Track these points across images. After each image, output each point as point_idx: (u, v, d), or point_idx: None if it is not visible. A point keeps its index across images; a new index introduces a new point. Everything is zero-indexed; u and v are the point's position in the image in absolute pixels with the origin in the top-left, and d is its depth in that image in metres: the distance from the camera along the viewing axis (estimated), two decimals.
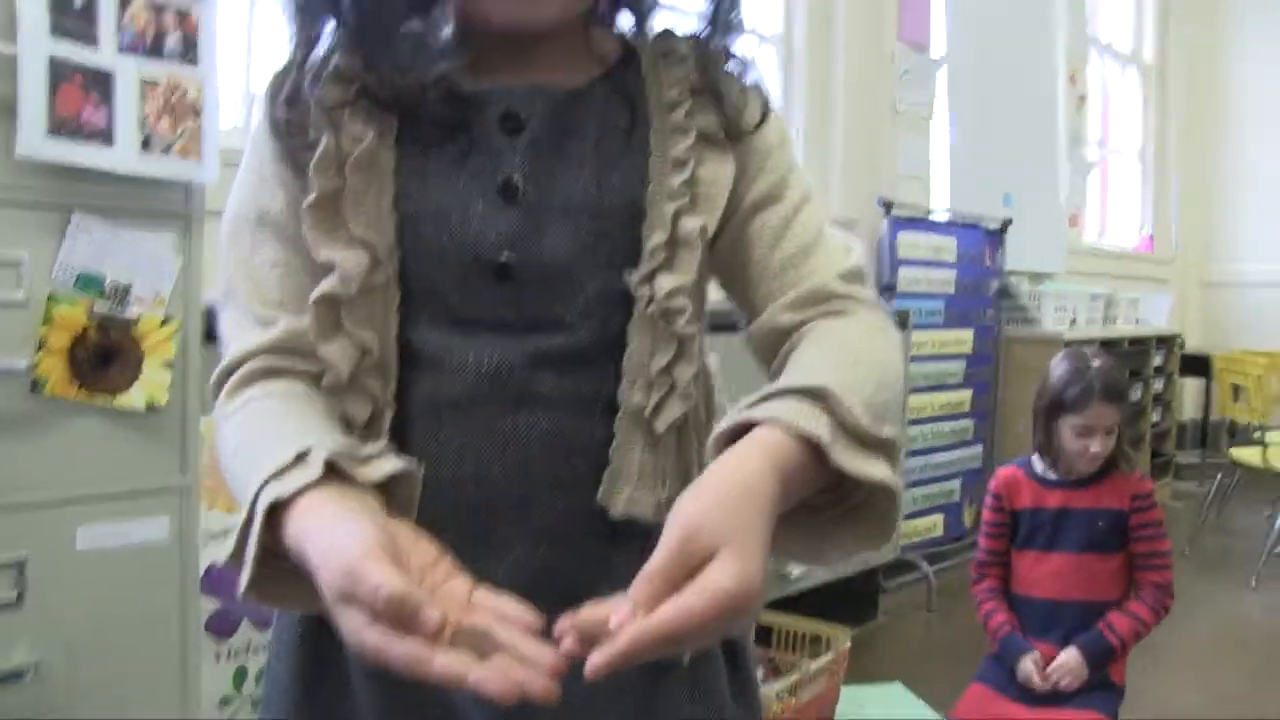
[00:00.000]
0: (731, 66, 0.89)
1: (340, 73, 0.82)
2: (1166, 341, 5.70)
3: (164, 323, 1.47)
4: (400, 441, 0.82)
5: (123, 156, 1.41)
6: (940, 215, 4.41)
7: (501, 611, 0.62)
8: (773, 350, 0.85)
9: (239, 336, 0.83)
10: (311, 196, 0.80)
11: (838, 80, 4.21)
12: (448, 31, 0.82)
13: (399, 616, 0.58)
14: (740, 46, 0.90)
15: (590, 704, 0.76)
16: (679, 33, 0.90)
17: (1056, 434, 2.42)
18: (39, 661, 1.37)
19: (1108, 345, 5.04)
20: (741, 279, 0.88)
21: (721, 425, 0.70)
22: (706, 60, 0.88)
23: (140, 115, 1.44)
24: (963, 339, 4.32)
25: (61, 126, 1.36)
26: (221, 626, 1.76)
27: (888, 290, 3.96)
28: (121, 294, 1.43)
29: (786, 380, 0.72)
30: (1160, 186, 6.96)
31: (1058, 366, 2.48)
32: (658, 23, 0.92)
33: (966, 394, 4.35)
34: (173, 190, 1.49)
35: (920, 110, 4.51)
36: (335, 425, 0.79)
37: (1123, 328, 5.33)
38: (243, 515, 0.69)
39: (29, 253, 1.36)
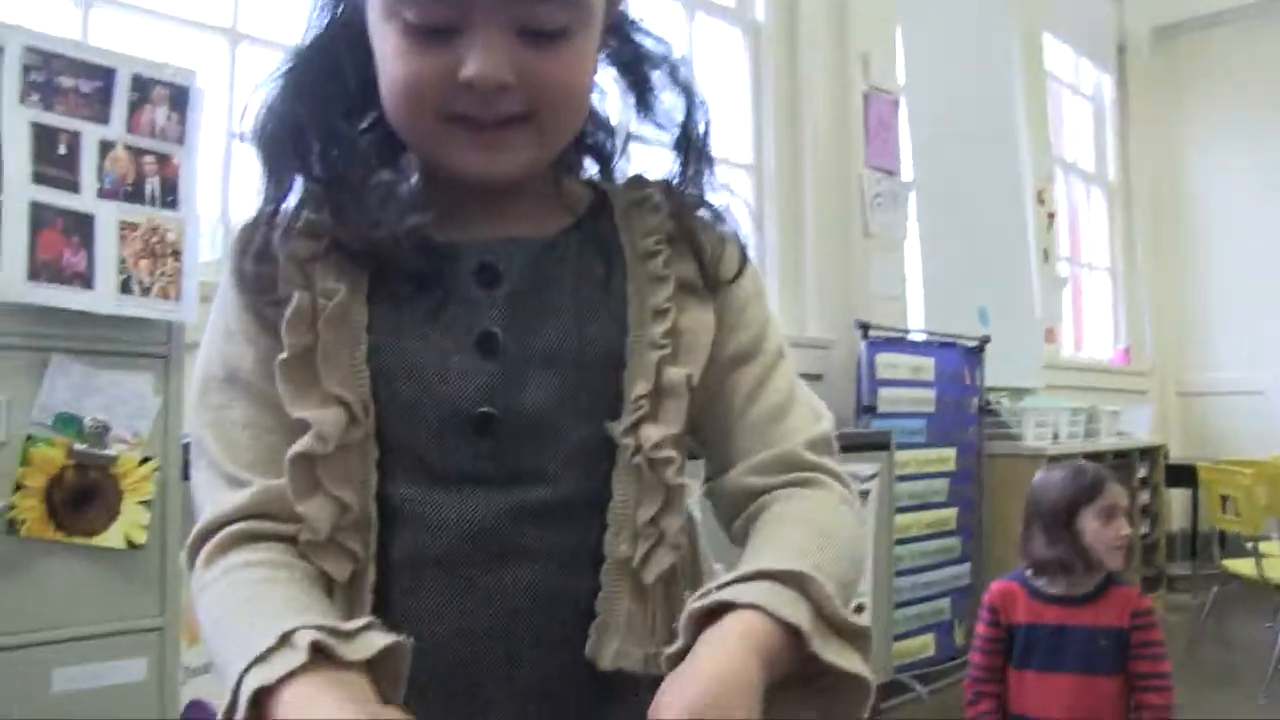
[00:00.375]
0: (705, 214, 0.89)
1: (310, 226, 0.81)
2: (1150, 453, 5.71)
3: (143, 462, 1.48)
4: (382, 599, 0.81)
5: (102, 298, 1.44)
6: (918, 335, 4.45)
7: None
8: (735, 510, 0.86)
9: (213, 498, 0.81)
10: (284, 354, 0.78)
11: (808, 206, 4.31)
12: (416, 182, 0.85)
13: None
14: (713, 194, 0.90)
15: None
16: (650, 177, 0.90)
17: (1079, 534, 2.39)
18: None
19: (1091, 459, 5.06)
20: (711, 432, 0.87)
21: (700, 602, 0.70)
22: (681, 208, 0.88)
23: (120, 258, 1.46)
24: (946, 457, 4.32)
25: (42, 270, 1.39)
26: None
27: (868, 411, 3.97)
28: (100, 434, 1.44)
29: (764, 561, 0.72)
30: (1132, 300, 7.07)
31: (1051, 474, 2.47)
32: (627, 168, 0.93)
33: (952, 512, 4.34)
34: (153, 330, 1.51)
35: (892, 232, 4.59)
36: (316, 594, 0.77)
37: (1106, 440, 5.34)
38: (225, 700, 0.67)
39: (7, 394, 1.38)
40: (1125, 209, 7.07)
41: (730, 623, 0.68)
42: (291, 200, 0.83)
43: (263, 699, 0.65)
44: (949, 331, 4.54)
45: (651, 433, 0.81)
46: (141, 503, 1.47)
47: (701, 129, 0.89)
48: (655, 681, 0.68)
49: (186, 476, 1.51)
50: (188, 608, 1.56)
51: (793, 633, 0.67)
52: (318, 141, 0.83)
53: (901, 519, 3.97)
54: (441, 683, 0.79)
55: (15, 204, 1.38)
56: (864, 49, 4.49)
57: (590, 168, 0.95)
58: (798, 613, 0.68)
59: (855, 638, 0.70)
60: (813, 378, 4.19)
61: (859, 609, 3.52)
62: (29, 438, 1.38)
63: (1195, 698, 4.23)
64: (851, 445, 3.55)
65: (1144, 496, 5.63)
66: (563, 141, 0.85)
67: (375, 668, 0.69)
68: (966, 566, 4.43)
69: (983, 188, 5.23)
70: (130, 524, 1.46)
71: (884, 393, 4.05)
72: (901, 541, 3.99)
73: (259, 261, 0.81)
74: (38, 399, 1.40)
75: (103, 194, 1.48)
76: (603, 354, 0.83)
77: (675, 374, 0.82)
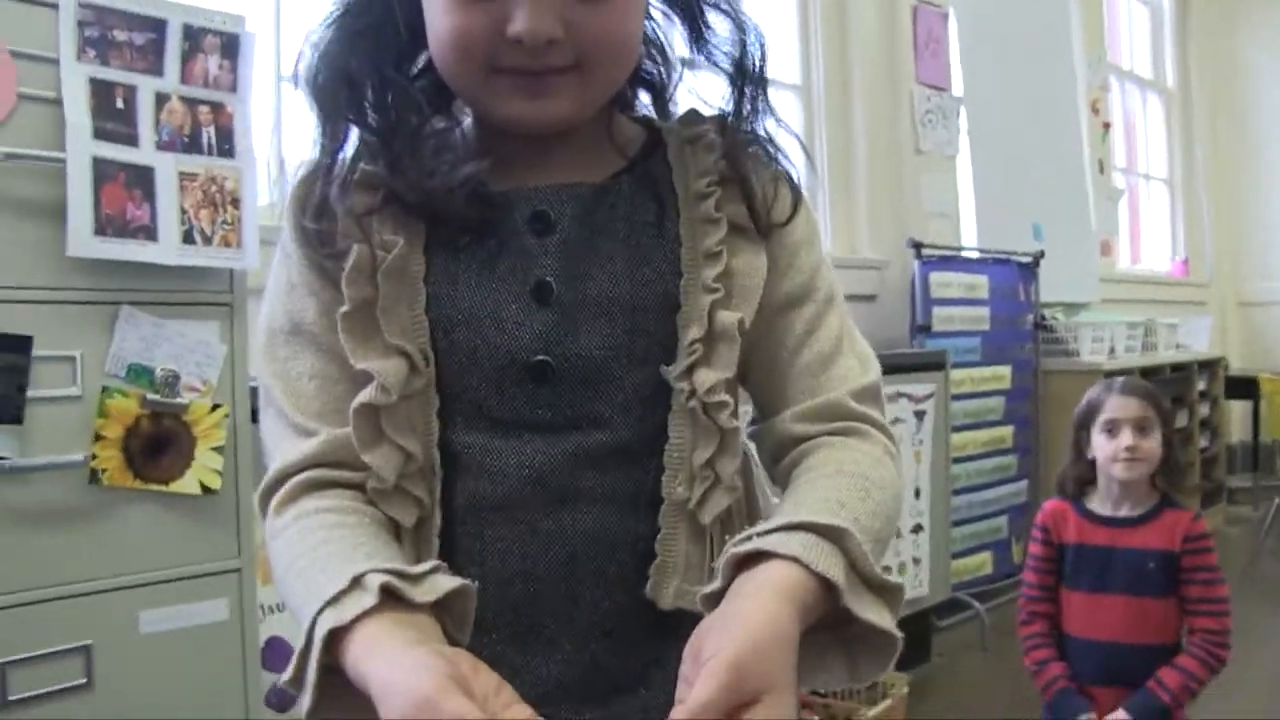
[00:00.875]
0: (759, 152, 0.89)
1: (367, 178, 0.82)
2: (1209, 365, 5.66)
3: (213, 409, 1.51)
4: (446, 542, 0.83)
5: (166, 250, 1.46)
6: (971, 253, 4.42)
7: None
8: (780, 454, 0.87)
9: (282, 447, 0.83)
10: (345, 307, 0.80)
11: (858, 125, 4.27)
12: (469, 130, 0.86)
13: None
14: (770, 124, 0.90)
15: None
16: (705, 112, 0.90)
17: (1089, 451, 2.40)
18: None
19: (1149, 373, 5.00)
20: (760, 375, 0.88)
21: (741, 547, 0.72)
22: (735, 148, 0.87)
23: (181, 209, 1.49)
24: (1001, 375, 4.31)
25: (108, 225, 1.41)
26: (281, 701, 1.78)
27: (923, 330, 3.96)
28: (171, 383, 1.48)
29: (805, 512, 0.74)
30: (1191, 210, 6.94)
31: (1089, 392, 2.48)
32: (681, 102, 0.93)
33: (1008, 430, 4.33)
34: (216, 279, 1.54)
35: (944, 149, 4.54)
36: (384, 539, 0.80)
37: (1163, 354, 5.30)
38: (300, 641, 0.70)
39: (81, 349, 1.41)
40: (1184, 117, 6.92)
41: (769, 572, 0.70)
42: (347, 149, 0.84)
43: (336, 639, 0.68)
44: (1003, 248, 4.50)
45: (706, 377, 0.82)
46: (214, 449, 1.51)
47: (756, 59, 0.89)
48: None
49: (255, 420, 1.54)
50: (262, 548, 1.61)
51: (828, 586, 0.69)
52: (371, 90, 0.84)
53: (957, 438, 3.98)
54: (506, 622, 0.82)
55: (79, 160, 1.40)
56: None
57: (645, 99, 0.96)
58: (834, 568, 0.70)
59: (887, 594, 0.72)
60: (866, 298, 4.18)
61: (917, 530, 3.54)
62: (104, 389, 1.42)
63: (1253, 611, 4.23)
64: (907, 365, 3.56)
65: (1203, 409, 5.59)
66: (610, 91, 0.86)
67: (442, 609, 0.72)
68: (1024, 484, 4.43)
69: (1035, 100, 5.13)
70: (204, 469, 1.50)
71: (938, 311, 4.04)
72: (958, 460, 4.00)
73: (318, 217, 0.82)
74: (110, 351, 1.43)
75: (161, 146, 1.49)
76: (657, 298, 0.84)
77: (728, 318, 0.83)
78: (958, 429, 3.99)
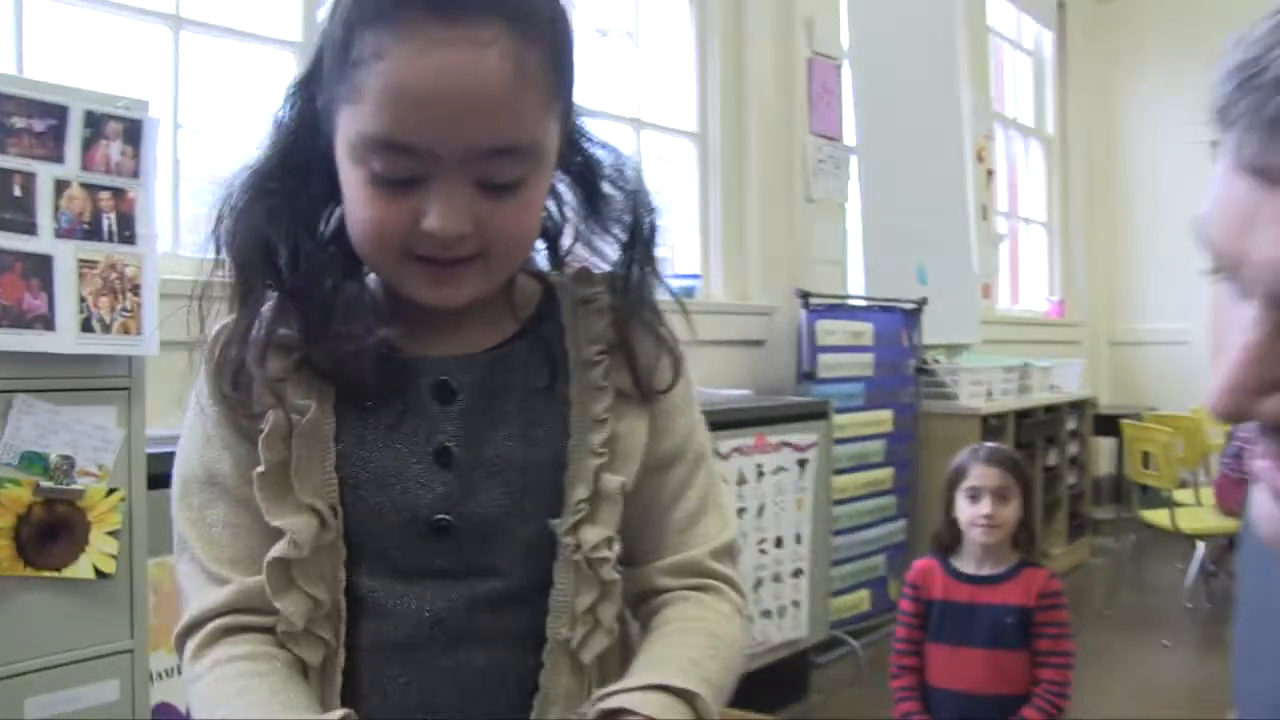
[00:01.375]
0: (648, 318, 0.96)
1: (281, 341, 0.88)
2: (1079, 406, 5.91)
3: (109, 493, 1.53)
4: (350, 679, 0.89)
5: (64, 339, 1.48)
6: (857, 301, 4.56)
7: None
8: (643, 599, 0.97)
9: (198, 593, 0.89)
10: (260, 468, 0.86)
11: (752, 173, 4.38)
12: (379, 294, 0.92)
13: None
14: (658, 290, 0.98)
15: None
16: (596, 271, 0.97)
17: (956, 512, 2.55)
18: None
19: (1023, 415, 5.22)
20: (633, 527, 0.95)
21: (608, 703, 0.82)
22: (625, 318, 0.95)
23: (80, 297, 1.51)
24: (883, 419, 4.46)
25: (4, 315, 1.43)
26: None
27: (808, 377, 4.08)
28: (66, 469, 1.49)
29: (663, 672, 0.85)
30: (1066, 252, 7.23)
31: (958, 455, 2.63)
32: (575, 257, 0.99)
33: (888, 471, 4.49)
34: (114, 365, 1.55)
35: (834, 197, 4.68)
36: (295, 684, 0.86)
37: (1037, 396, 5.51)
38: None
39: None
40: (1062, 163, 7.21)
41: None
42: (262, 310, 0.89)
43: None
44: (887, 295, 4.66)
45: (590, 534, 0.90)
46: (109, 533, 1.53)
47: (648, 231, 0.97)
48: None
49: (153, 501, 1.57)
50: (155, 628, 1.64)
51: None
52: (287, 256, 0.89)
53: (839, 480, 4.11)
54: None
55: None
56: (808, 14, 4.55)
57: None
58: None
59: None
60: (755, 343, 4.30)
61: (797, 574, 3.65)
62: None
63: (1110, 641, 4.46)
64: (792, 415, 3.68)
65: (1072, 448, 5.83)
66: (509, 273, 0.92)
67: None
68: (902, 523, 4.59)
69: (924, 148, 5.32)
70: (98, 554, 1.51)
71: (823, 358, 4.16)
72: (839, 502, 4.13)
73: (234, 383, 0.88)
74: (2, 439, 1.44)
75: (60, 234, 1.51)
76: (547, 457, 0.91)
77: (611, 481, 0.91)
78: (839, 471, 4.12)
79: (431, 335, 0.92)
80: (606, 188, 0.97)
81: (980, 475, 2.49)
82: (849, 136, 4.76)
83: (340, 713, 0.81)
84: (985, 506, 2.47)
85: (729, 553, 0.98)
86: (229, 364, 0.88)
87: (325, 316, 0.88)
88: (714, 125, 4.31)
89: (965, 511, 2.51)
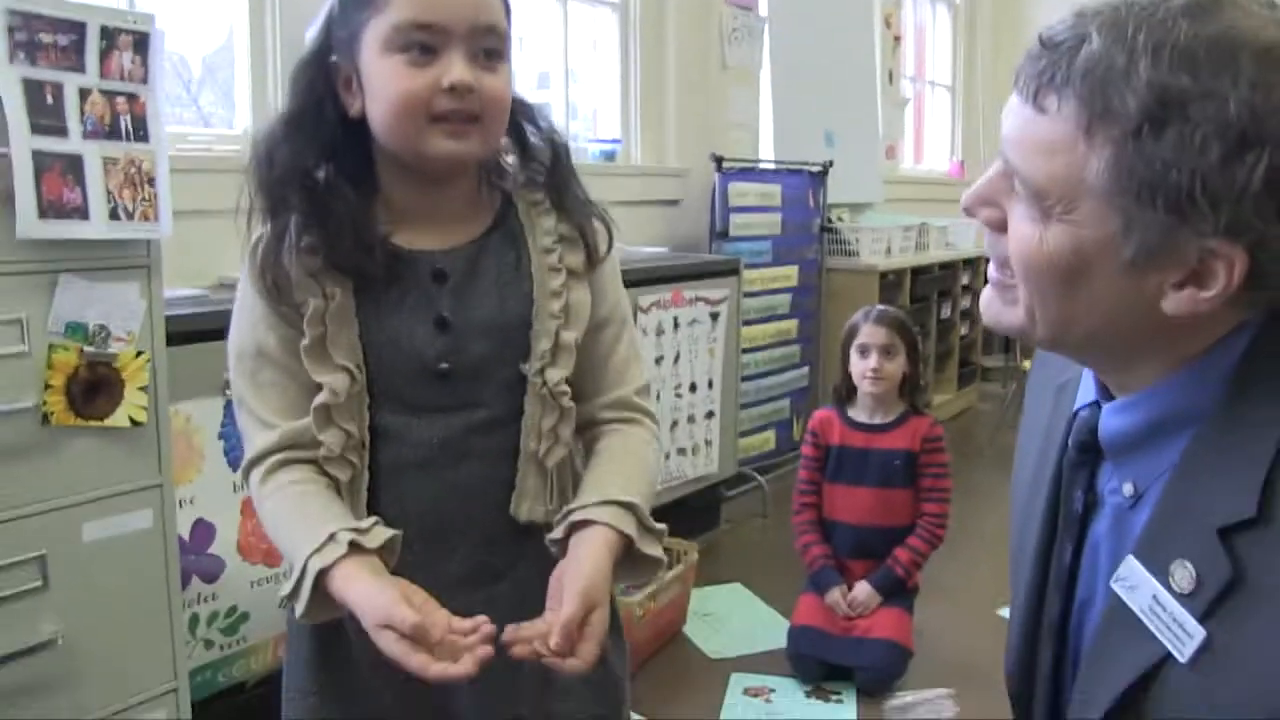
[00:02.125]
0: (582, 206, 1.32)
1: (310, 247, 1.21)
2: (972, 262, 6.32)
3: (137, 355, 1.82)
4: (374, 494, 1.25)
5: (97, 226, 1.75)
6: (767, 164, 4.86)
7: (463, 628, 1.08)
8: (586, 428, 1.33)
9: (253, 437, 1.24)
10: (305, 341, 1.20)
11: (670, 42, 4.59)
12: (379, 203, 1.25)
13: (416, 637, 1.05)
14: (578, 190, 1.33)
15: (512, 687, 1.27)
16: (538, 188, 1.32)
17: (850, 366, 2.94)
18: (62, 631, 1.75)
19: (919, 271, 5.62)
20: (579, 372, 1.30)
21: (575, 515, 1.20)
22: (565, 208, 1.31)
23: (106, 190, 1.77)
24: (789, 274, 4.80)
25: (49, 209, 1.69)
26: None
27: (720, 235, 4.39)
28: (102, 336, 1.78)
29: (610, 490, 1.22)
30: (969, 116, 7.57)
31: (853, 316, 3.00)
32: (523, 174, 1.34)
33: (793, 323, 4.86)
34: (136, 247, 1.82)
35: (748, 65, 4.94)
36: (337, 500, 1.21)
37: (934, 253, 5.90)
38: (296, 573, 1.14)
39: (28, 311, 1.70)
40: (968, 29, 7.48)
41: (594, 533, 1.19)
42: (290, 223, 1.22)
43: (321, 577, 1.12)
44: (796, 158, 4.95)
45: (553, 375, 1.27)
46: (140, 388, 1.82)
47: (563, 154, 1.33)
48: (551, 528, 1.21)
49: (172, 357, 1.87)
50: (175, 465, 1.96)
51: (628, 538, 1.20)
52: (308, 184, 1.22)
53: (748, 330, 4.41)
54: (423, 538, 1.25)
55: (21, 154, 1.65)
56: None
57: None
58: (630, 527, 1.21)
59: (658, 535, 1.24)
60: (671, 203, 4.59)
61: (709, 416, 4.05)
62: (49, 345, 1.71)
63: (988, 477, 4.96)
64: (705, 272, 3.98)
65: (965, 302, 6.26)
66: (497, 138, 1.26)
67: (381, 548, 1.16)
68: (805, 370, 4.97)
69: (834, 17, 5.56)
70: (132, 406, 1.81)
71: (735, 218, 4.46)
72: (748, 351, 4.46)
73: (275, 275, 1.21)
74: (51, 312, 1.72)
75: (86, 135, 1.75)
76: (517, 319, 1.27)
77: (567, 336, 1.28)
78: (748, 323, 4.43)
79: (425, 234, 1.26)
80: (532, 134, 1.31)
81: (869, 334, 2.86)
82: (763, 6, 4.99)
83: (371, 520, 1.18)
84: (873, 361, 2.85)
85: (646, 391, 1.37)
86: (269, 266, 1.21)
87: (340, 227, 1.20)
88: None
89: (856, 366, 2.89)
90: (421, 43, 1.15)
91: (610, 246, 1.34)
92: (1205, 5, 0.82)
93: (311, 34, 1.25)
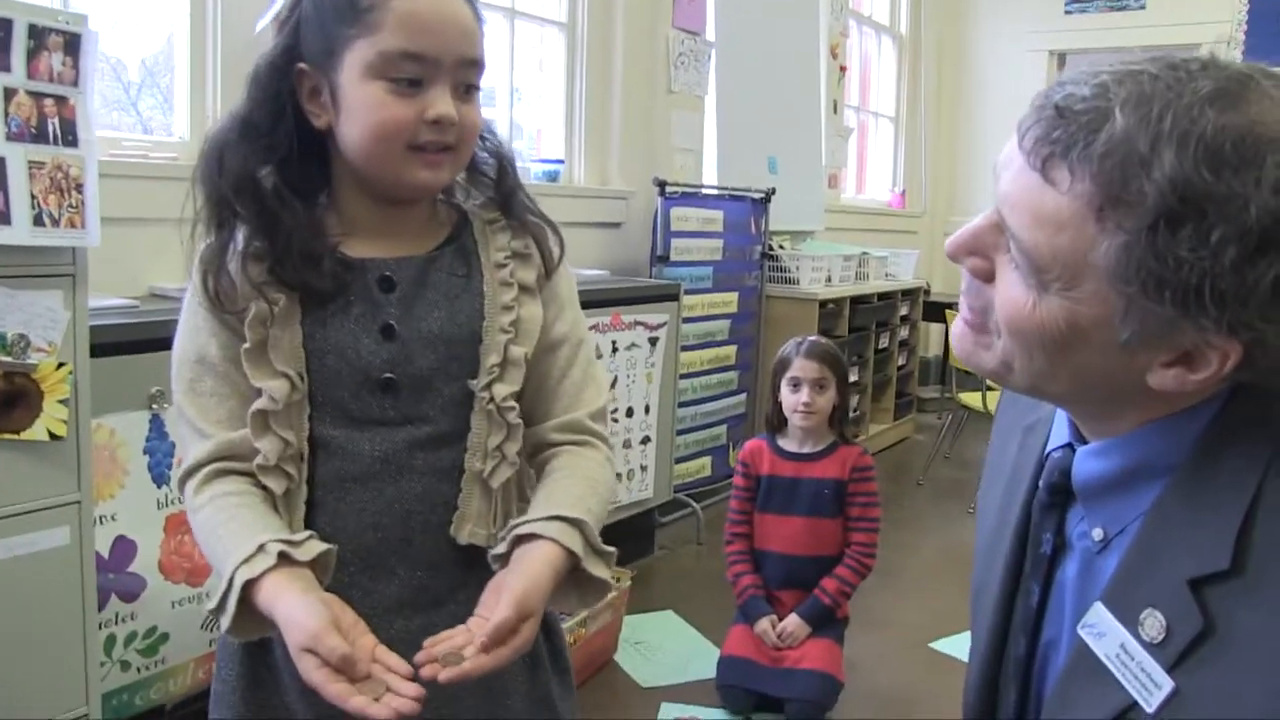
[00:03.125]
0: (533, 220, 1.31)
1: (256, 254, 1.18)
2: (911, 293, 6.38)
3: (59, 366, 1.76)
4: (316, 508, 1.20)
5: (19, 233, 1.69)
6: (710, 190, 4.86)
7: (389, 664, 1.04)
8: (537, 450, 1.30)
9: (191, 447, 1.20)
10: (247, 344, 1.16)
11: (616, 64, 4.59)
12: (329, 214, 1.23)
13: (341, 668, 1.00)
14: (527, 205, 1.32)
15: (463, 689, 1.20)
16: (493, 207, 1.31)
17: (780, 398, 2.93)
18: None
19: (859, 300, 5.65)
20: (530, 393, 1.28)
21: (520, 530, 1.16)
22: (517, 218, 1.30)
23: (31, 194, 1.71)
24: (729, 300, 4.80)
25: None
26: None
27: (661, 260, 4.38)
28: (22, 346, 1.72)
29: (558, 507, 1.18)
30: (911, 146, 7.66)
31: (784, 346, 3.00)
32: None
33: (732, 349, 4.85)
34: (61, 255, 1.77)
35: (694, 90, 4.95)
36: (271, 512, 1.17)
37: (873, 283, 5.94)
38: (222, 584, 1.09)
39: None
40: (912, 60, 7.57)
41: (539, 547, 1.15)
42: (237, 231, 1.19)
43: (248, 588, 1.08)
44: (739, 184, 4.96)
45: (501, 390, 1.23)
46: (60, 401, 1.76)
47: (511, 172, 1.32)
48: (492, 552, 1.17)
49: (95, 369, 1.81)
50: (97, 480, 1.90)
51: (573, 556, 1.15)
52: (258, 192, 1.18)
53: (686, 356, 4.40)
54: (360, 559, 1.22)
55: None
56: None
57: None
58: (576, 544, 1.16)
59: (606, 556, 1.19)
60: (613, 225, 4.58)
61: (645, 442, 4.03)
62: None
63: (923, 509, 4.99)
64: (645, 297, 3.97)
65: (904, 332, 6.32)
66: (465, 164, 1.25)
67: (314, 564, 1.12)
68: (743, 396, 4.97)
69: (781, 45, 5.59)
70: (51, 419, 1.75)
71: (676, 243, 4.44)
72: (685, 376, 4.45)
73: (218, 286, 1.18)
74: None
75: (10, 137, 1.70)
76: (466, 333, 1.24)
77: (516, 351, 1.25)
78: (686, 348, 4.42)
79: (375, 244, 1.23)
80: (477, 148, 1.29)
81: (800, 368, 2.86)
82: (711, 32, 5.01)
83: (306, 534, 1.14)
84: (804, 395, 2.85)
85: (602, 415, 1.33)
86: (213, 273, 1.18)
87: (288, 239, 1.18)
88: (583, 17, 4.50)
89: (788, 398, 2.88)
90: (409, 74, 1.13)
91: (562, 255, 1.32)
92: (1233, 92, 0.79)
93: (264, 23, 1.21)
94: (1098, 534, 0.97)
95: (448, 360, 1.22)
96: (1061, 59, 7.58)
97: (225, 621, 1.08)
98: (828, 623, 2.91)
